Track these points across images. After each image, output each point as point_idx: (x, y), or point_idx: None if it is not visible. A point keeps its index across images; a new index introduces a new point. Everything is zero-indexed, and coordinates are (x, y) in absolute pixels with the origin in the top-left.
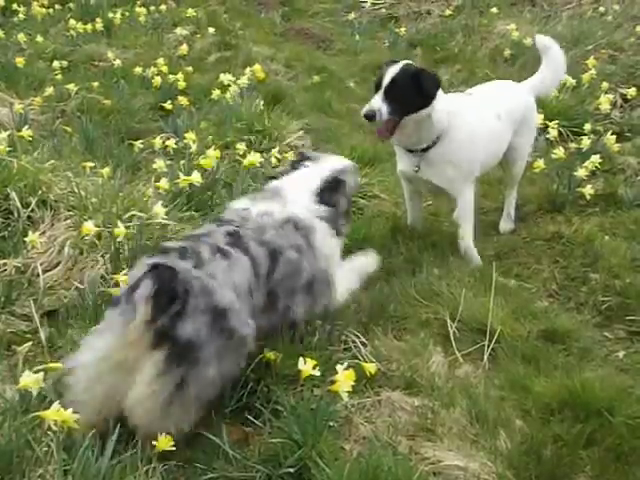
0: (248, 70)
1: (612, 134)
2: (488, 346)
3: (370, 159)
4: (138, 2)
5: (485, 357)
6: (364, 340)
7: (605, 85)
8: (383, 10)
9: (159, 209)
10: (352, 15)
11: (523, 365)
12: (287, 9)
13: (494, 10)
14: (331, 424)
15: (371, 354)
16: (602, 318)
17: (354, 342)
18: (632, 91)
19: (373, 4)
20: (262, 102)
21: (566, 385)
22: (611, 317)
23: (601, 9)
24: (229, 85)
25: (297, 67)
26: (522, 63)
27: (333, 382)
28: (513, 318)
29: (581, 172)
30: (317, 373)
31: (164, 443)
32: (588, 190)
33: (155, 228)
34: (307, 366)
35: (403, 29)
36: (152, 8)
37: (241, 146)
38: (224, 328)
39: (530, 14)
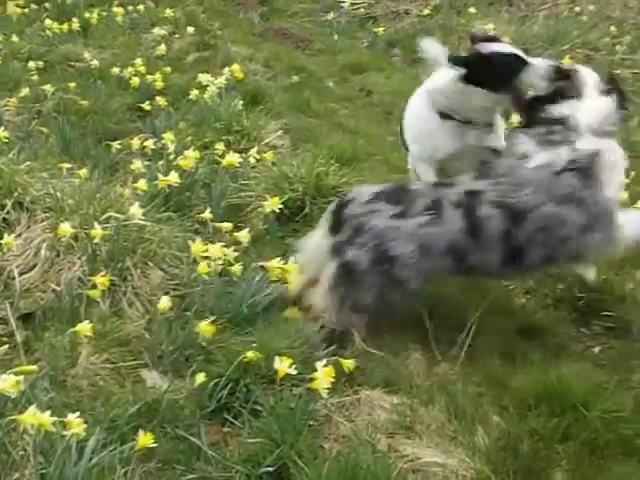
0: (227, 70)
1: None
2: (466, 343)
3: (348, 159)
4: (115, 2)
5: (462, 354)
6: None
7: None
8: (362, 10)
9: (136, 210)
10: (331, 15)
11: (501, 361)
12: (266, 9)
13: (472, 10)
14: (311, 423)
15: (350, 352)
16: (578, 314)
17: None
18: None
19: (352, 4)
20: (241, 102)
21: (542, 380)
22: (587, 313)
23: (577, 9)
24: (208, 85)
25: (276, 67)
26: None
27: (312, 380)
28: (491, 315)
29: None
30: (294, 372)
31: (145, 441)
32: None
33: (132, 229)
34: (283, 365)
35: (382, 29)
36: (130, 8)
37: (220, 146)
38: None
39: (508, 14)
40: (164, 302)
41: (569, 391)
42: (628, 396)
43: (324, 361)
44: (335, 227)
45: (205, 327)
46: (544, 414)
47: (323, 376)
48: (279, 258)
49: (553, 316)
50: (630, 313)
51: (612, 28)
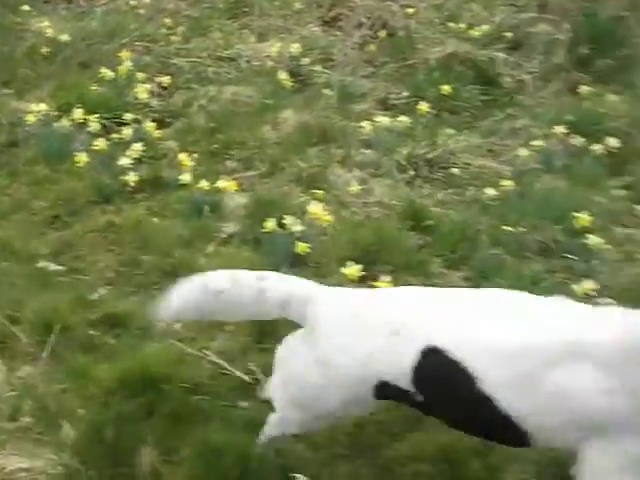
0: None
1: (153, 121)
2: (48, 343)
3: None
4: None
5: (44, 354)
6: None
7: (142, 75)
8: None
9: None
10: None
11: (83, 355)
12: None
13: (26, 8)
14: None
15: None
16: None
17: None
18: (167, 79)
19: None
20: None
21: (122, 365)
22: None
23: (133, 3)
24: None
25: None
26: (62, 60)
27: None
28: (71, 311)
29: (124, 161)
30: None
31: None
32: (132, 177)
33: None
34: None
35: None
36: None
37: None
38: None
39: (66, 11)
40: None
41: (148, 370)
42: (205, 362)
43: None
44: None
45: None
46: (126, 397)
47: None
48: None
49: (135, 302)
50: None
51: (167, 20)
